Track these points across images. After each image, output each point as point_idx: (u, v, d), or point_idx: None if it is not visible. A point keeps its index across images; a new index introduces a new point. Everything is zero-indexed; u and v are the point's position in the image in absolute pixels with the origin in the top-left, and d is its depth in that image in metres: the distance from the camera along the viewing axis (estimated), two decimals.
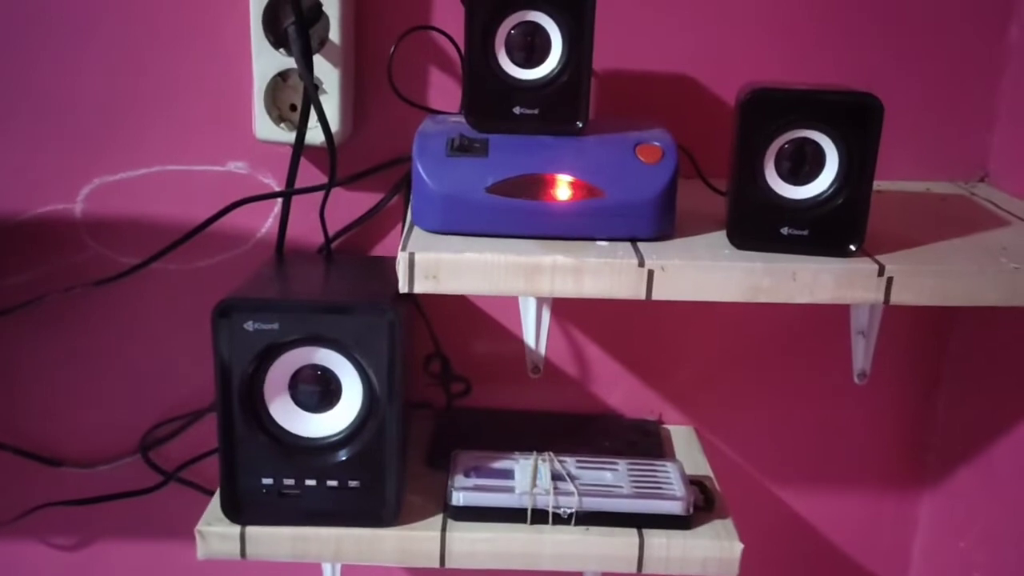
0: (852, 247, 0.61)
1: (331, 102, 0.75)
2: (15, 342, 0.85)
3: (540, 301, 0.81)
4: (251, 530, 0.70)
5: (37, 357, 0.85)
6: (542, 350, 0.83)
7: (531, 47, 0.64)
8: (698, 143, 0.75)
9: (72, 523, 0.90)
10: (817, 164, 0.61)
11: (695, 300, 0.60)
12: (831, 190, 0.60)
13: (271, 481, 0.69)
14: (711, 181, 0.74)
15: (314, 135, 0.74)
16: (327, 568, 0.80)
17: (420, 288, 0.60)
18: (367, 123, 0.80)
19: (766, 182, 0.61)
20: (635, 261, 0.60)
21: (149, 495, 0.88)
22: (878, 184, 0.62)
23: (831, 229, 0.61)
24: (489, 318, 0.85)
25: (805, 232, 0.61)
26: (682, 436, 0.86)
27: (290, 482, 0.69)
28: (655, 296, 0.60)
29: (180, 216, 0.81)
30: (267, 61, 0.74)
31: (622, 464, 0.75)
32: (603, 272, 0.60)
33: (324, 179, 0.79)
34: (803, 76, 0.79)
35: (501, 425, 0.85)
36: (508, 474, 0.73)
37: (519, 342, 0.85)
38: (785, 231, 0.61)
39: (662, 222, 0.63)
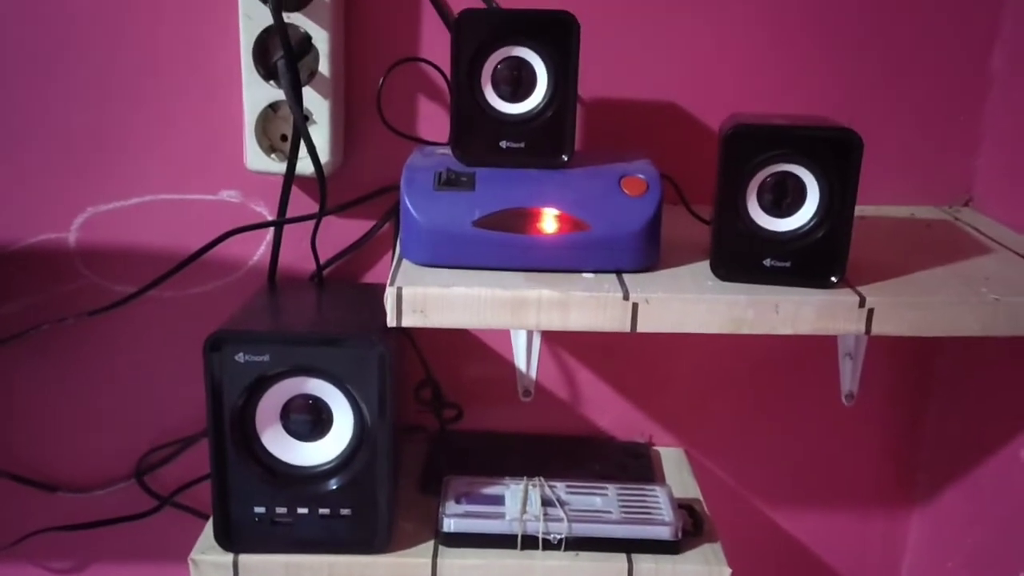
0: (833, 279, 0.62)
1: (321, 132, 0.76)
2: (10, 370, 0.85)
3: None
4: (244, 558, 0.70)
5: (32, 384, 0.86)
6: (533, 374, 0.84)
7: (517, 82, 0.65)
8: (683, 170, 0.76)
9: (68, 548, 0.91)
10: (799, 197, 0.61)
11: (679, 332, 0.61)
12: (812, 223, 0.61)
13: (263, 510, 0.70)
14: (696, 207, 0.74)
15: (304, 165, 0.75)
16: None
17: (408, 322, 0.61)
18: (357, 152, 0.81)
19: (748, 215, 0.62)
20: (620, 294, 0.61)
21: (144, 519, 0.89)
22: (863, 209, 0.63)
23: (813, 261, 0.61)
24: (480, 343, 0.86)
25: (787, 264, 0.62)
26: (672, 458, 0.87)
27: (282, 510, 0.70)
28: (640, 328, 0.61)
29: (173, 244, 0.82)
30: (258, 93, 0.75)
31: (612, 489, 0.76)
32: (589, 306, 0.61)
33: (315, 207, 0.80)
34: (788, 103, 0.80)
35: (493, 448, 0.86)
36: (499, 500, 0.74)
37: (510, 366, 0.86)
38: (768, 263, 0.62)
39: (647, 254, 0.64)
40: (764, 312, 0.61)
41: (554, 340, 0.87)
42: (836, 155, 0.60)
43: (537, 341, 0.83)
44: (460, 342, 0.86)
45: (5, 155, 0.80)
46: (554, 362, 0.87)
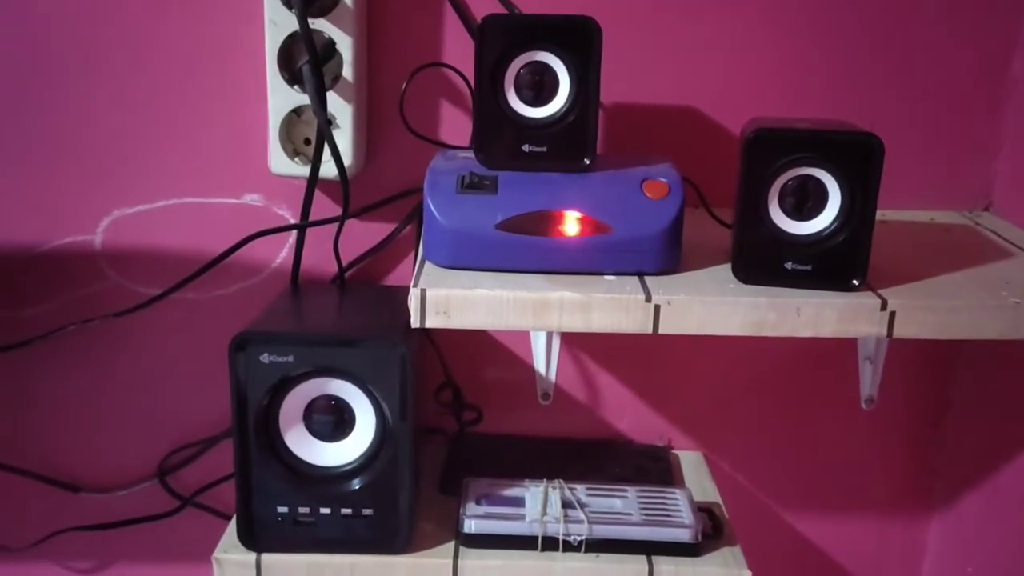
0: (855, 282, 0.62)
1: (344, 136, 0.77)
2: (36, 370, 0.87)
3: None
4: (267, 557, 0.71)
5: (56, 385, 0.87)
6: (552, 377, 0.84)
7: (539, 86, 0.66)
8: (704, 173, 0.76)
9: (90, 548, 0.92)
10: (820, 200, 0.62)
11: (701, 334, 0.62)
12: (834, 226, 0.61)
13: (286, 509, 0.71)
14: (717, 210, 0.75)
15: (328, 168, 0.76)
16: None
17: (431, 323, 0.62)
18: (379, 156, 0.82)
19: (770, 218, 0.62)
20: (642, 296, 0.61)
21: (166, 520, 0.89)
22: (883, 214, 0.63)
23: (834, 264, 0.62)
24: (500, 345, 0.87)
25: (809, 267, 0.62)
26: (691, 462, 0.87)
27: (305, 510, 0.71)
28: (662, 330, 0.61)
29: (196, 247, 0.83)
30: (282, 98, 0.76)
31: (631, 491, 0.76)
32: (610, 308, 0.61)
33: (337, 210, 0.81)
34: (808, 108, 0.81)
35: (512, 451, 0.86)
36: (519, 502, 0.74)
37: (529, 369, 0.87)
38: (789, 266, 0.62)
39: (668, 257, 0.65)
40: (786, 314, 0.61)
41: (573, 343, 0.87)
42: (858, 159, 0.60)
43: (556, 344, 0.83)
44: (480, 345, 0.86)
45: (34, 158, 0.81)
46: (573, 365, 0.88)
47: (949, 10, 0.79)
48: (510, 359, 0.87)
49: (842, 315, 0.61)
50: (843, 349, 0.84)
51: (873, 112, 0.80)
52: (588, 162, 0.66)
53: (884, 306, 0.61)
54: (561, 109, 0.66)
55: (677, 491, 0.77)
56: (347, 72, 0.75)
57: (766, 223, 0.62)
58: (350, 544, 0.71)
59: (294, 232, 0.83)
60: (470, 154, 0.70)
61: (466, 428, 0.87)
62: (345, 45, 0.75)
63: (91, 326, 0.84)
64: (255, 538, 0.71)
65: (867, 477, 0.91)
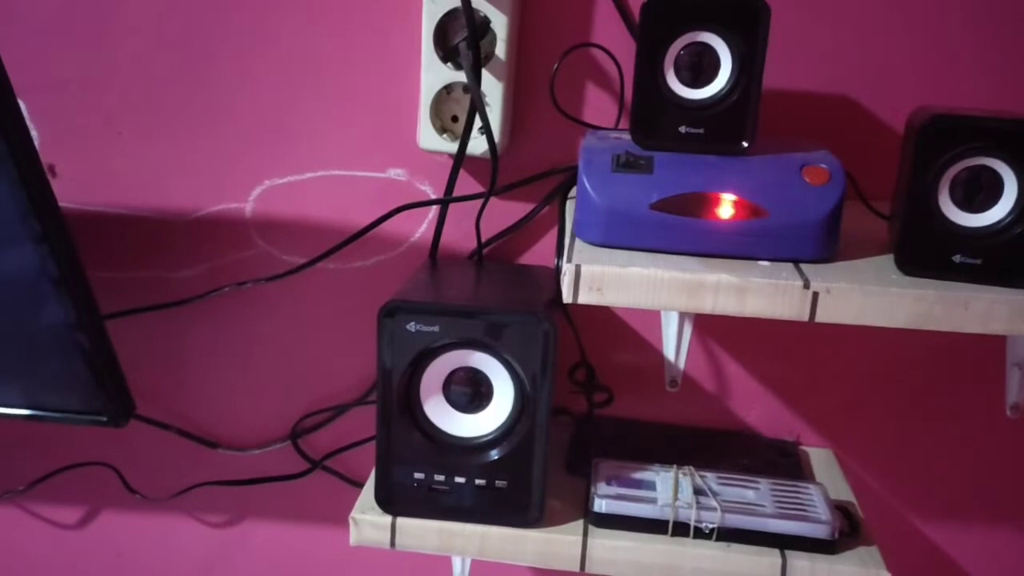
0: None
1: (494, 114, 0.78)
2: (187, 330, 0.91)
3: (683, 316, 0.82)
4: (402, 521, 0.73)
5: (204, 345, 0.91)
6: (681, 364, 0.84)
7: (699, 67, 0.65)
8: (856, 165, 0.74)
9: (223, 502, 0.96)
10: (993, 192, 0.60)
11: (859, 325, 0.60)
12: (1009, 219, 0.59)
13: (422, 476, 0.72)
14: (869, 203, 0.73)
15: (474, 145, 0.77)
16: (457, 563, 0.83)
17: (584, 299, 0.62)
18: (522, 135, 0.82)
19: (939, 209, 0.60)
20: (800, 283, 0.60)
21: (296, 480, 0.93)
22: None
23: (1006, 259, 0.59)
24: (631, 330, 0.86)
25: (978, 261, 0.60)
26: (821, 459, 0.85)
27: (440, 478, 0.72)
28: (819, 319, 0.60)
29: (339, 218, 0.86)
30: (435, 74, 0.77)
31: (764, 483, 0.75)
32: (767, 292, 0.60)
33: (477, 188, 0.82)
34: (968, 101, 0.78)
35: (638, 435, 0.86)
36: (650, 485, 0.74)
37: (658, 355, 0.86)
38: (957, 259, 0.60)
39: (826, 244, 0.63)
40: (952, 309, 0.59)
41: (704, 331, 0.86)
42: None
43: (688, 331, 0.83)
44: (611, 328, 0.86)
45: (197, 127, 0.85)
46: (703, 353, 0.87)
47: None
48: (639, 344, 0.87)
49: (1015, 312, 0.58)
50: (987, 353, 0.81)
51: None
52: (746, 145, 0.66)
53: None
54: (721, 91, 0.65)
55: (811, 486, 0.75)
56: (500, 50, 0.76)
57: (935, 214, 0.60)
58: (482, 514, 0.72)
59: (434, 207, 0.84)
60: (621, 134, 0.70)
61: (596, 409, 0.87)
62: (500, 23, 0.76)
63: (243, 289, 0.87)
64: (391, 501, 0.73)
65: (1009, 490, 0.87)
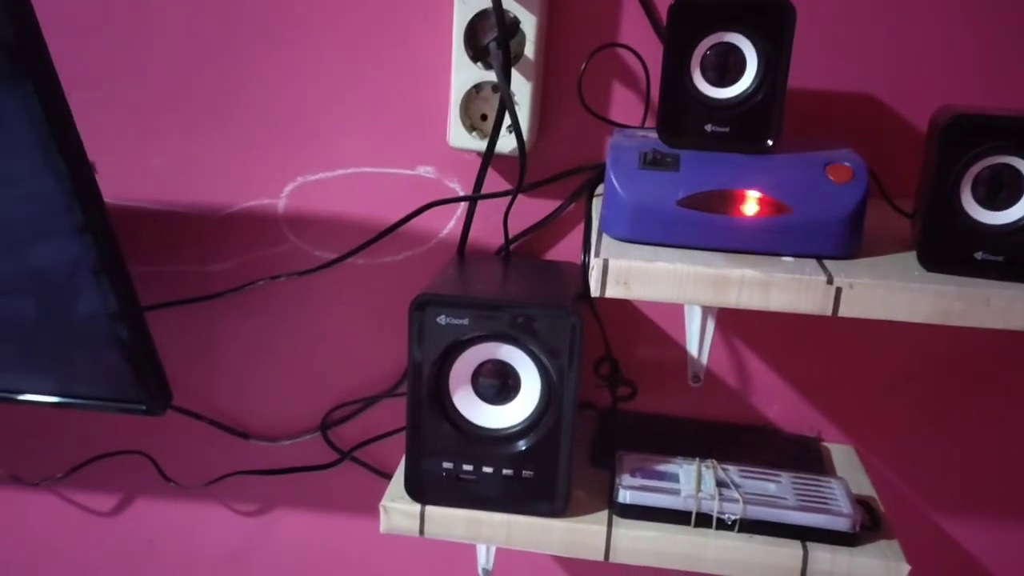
0: None
1: (522, 113, 0.79)
2: (220, 323, 0.93)
3: (706, 311, 0.83)
4: (430, 510, 0.75)
5: (237, 338, 0.93)
6: (704, 360, 0.85)
7: (725, 67, 0.66)
8: (879, 163, 0.75)
9: (254, 492, 0.98)
10: (1015, 190, 0.60)
11: (882, 319, 0.61)
12: None
13: (451, 466, 0.74)
14: (892, 201, 0.74)
15: (503, 144, 0.79)
16: (482, 551, 0.85)
17: (611, 293, 0.64)
18: (549, 133, 0.84)
19: (961, 206, 0.61)
20: (823, 278, 0.61)
21: (325, 471, 0.95)
22: None
23: None
24: (654, 325, 0.88)
25: (1000, 258, 0.61)
26: (842, 455, 0.86)
27: (468, 468, 0.74)
28: (842, 313, 0.61)
29: (369, 215, 0.88)
30: (465, 74, 0.79)
31: (785, 477, 0.76)
32: (791, 287, 0.62)
33: (504, 185, 0.84)
34: (991, 101, 0.78)
35: (660, 430, 0.88)
36: (673, 477, 0.76)
37: (681, 350, 0.88)
38: (979, 256, 0.61)
39: (850, 241, 0.65)
40: (974, 304, 0.60)
41: (727, 327, 0.88)
42: None
43: (711, 327, 0.84)
44: (635, 323, 0.88)
45: (231, 125, 0.88)
46: (725, 349, 0.88)
47: None
48: (662, 339, 0.88)
49: None
50: (1010, 350, 0.82)
51: None
52: (771, 143, 0.67)
53: None
54: (747, 90, 0.66)
55: (833, 480, 0.76)
56: (528, 50, 0.78)
57: (957, 211, 0.61)
58: (509, 504, 0.74)
59: (462, 204, 0.86)
60: (648, 132, 0.71)
61: (620, 403, 0.89)
62: (529, 24, 0.77)
63: (276, 283, 0.89)
64: (421, 490, 0.75)
65: None
